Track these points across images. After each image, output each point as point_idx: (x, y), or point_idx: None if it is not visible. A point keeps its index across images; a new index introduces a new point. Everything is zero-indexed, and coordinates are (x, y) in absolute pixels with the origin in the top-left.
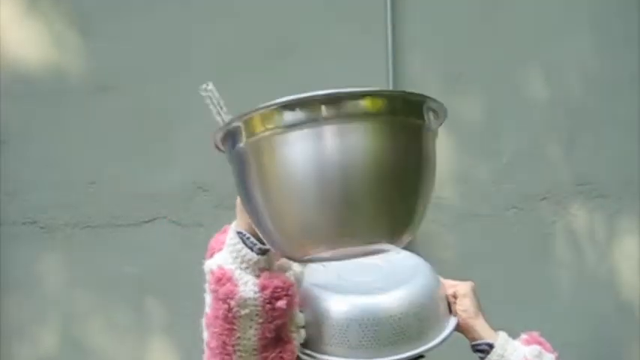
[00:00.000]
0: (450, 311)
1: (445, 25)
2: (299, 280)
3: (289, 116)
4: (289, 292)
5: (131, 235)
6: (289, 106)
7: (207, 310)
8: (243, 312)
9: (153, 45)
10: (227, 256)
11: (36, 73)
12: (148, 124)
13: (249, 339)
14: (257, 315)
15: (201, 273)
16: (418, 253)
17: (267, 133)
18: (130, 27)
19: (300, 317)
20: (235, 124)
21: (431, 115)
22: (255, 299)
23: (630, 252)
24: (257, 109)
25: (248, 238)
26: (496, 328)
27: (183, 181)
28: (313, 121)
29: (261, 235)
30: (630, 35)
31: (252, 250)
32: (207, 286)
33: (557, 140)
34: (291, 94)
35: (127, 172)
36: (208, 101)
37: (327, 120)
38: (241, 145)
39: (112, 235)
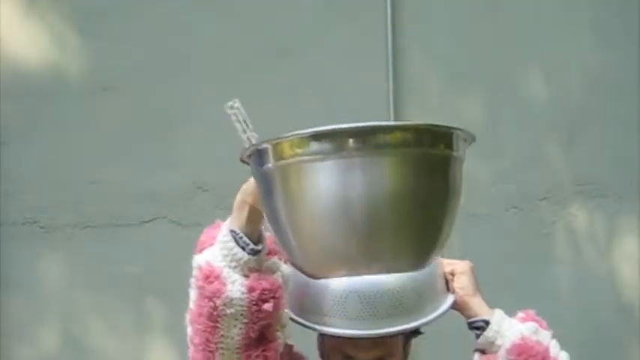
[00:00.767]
0: (448, 289)
1: (445, 25)
2: (287, 281)
3: (318, 146)
4: (277, 295)
5: (131, 235)
6: (319, 136)
7: (192, 305)
8: (228, 311)
9: (153, 45)
10: (217, 253)
11: (36, 73)
12: (148, 124)
13: (233, 338)
14: (242, 315)
15: None
16: None
17: (295, 159)
18: (130, 27)
19: (285, 316)
20: (264, 145)
21: (459, 143)
22: (241, 300)
23: (630, 252)
24: (287, 136)
25: (241, 237)
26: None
27: (183, 181)
28: (341, 152)
29: (283, 252)
30: (630, 35)
31: (244, 249)
32: (193, 281)
33: (557, 140)
34: (291, 94)
35: (127, 172)
36: (234, 118)
37: (354, 152)
38: (269, 166)
39: (112, 235)
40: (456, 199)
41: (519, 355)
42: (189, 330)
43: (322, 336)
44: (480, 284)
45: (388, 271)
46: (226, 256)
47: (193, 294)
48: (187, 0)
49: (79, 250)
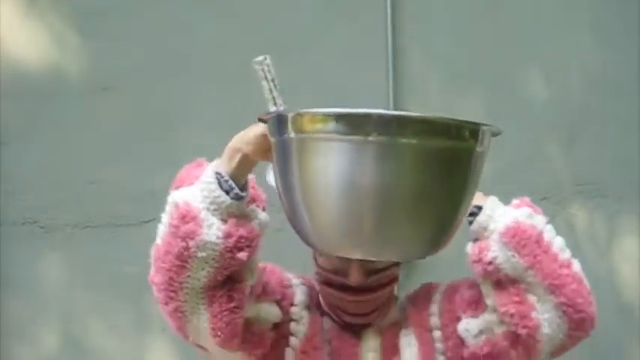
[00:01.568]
0: None
1: (445, 25)
2: (265, 228)
3: (338, 126)
4: (252, 244)
5: (131, 235)
6: (341, 116)
7: (159, 242)
8: (200, 254)
9: (153, 45)
10: (197, 193)
11: (36, 73)
12: (148, 124)
13: (199, 279)
14: (213, 260)
15: None
16: None
17: (314, 135)
18: (130, 27)
19: (256, 261)
20: (286, 114)
21: (484, 138)
22: (216, 244)
23: (630, 252)
24: (310, 111)
25: (226, 180)
26: None
27: None
28: (360, 136)
29: (291, 223)
30: (630, 35)
31: (227, 193)
32: (164, 217)
33: (557, 140)
34: (291, 94)
35: (127, 172)
36: (262, 75)
37: (374, 137)
38: (289, 136)
39: (112, 235)
40: (473, 193)
41: (512, 237)
42: (152, 269)
43: None
44: None
45: (399, 258)
46: (207, 197)
47: (163, 231)
48: (187, 0)
49: (79, 250)
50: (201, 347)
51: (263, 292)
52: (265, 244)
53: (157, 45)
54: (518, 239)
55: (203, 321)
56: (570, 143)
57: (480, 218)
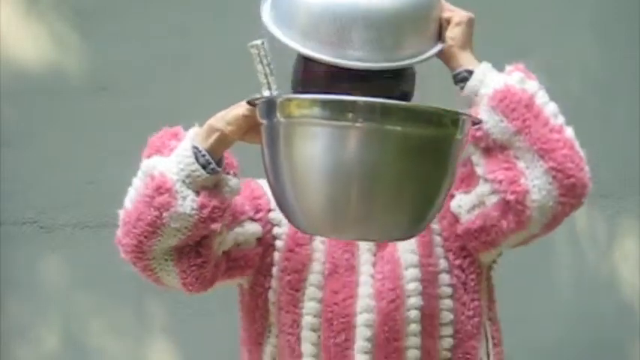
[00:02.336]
0: (440, 37)
1: None
2: (235, 193)
3: (322, 111)
4: (225, 215)
5: None
6: (325, 102)
7: (129, 207)
8: (173, 225)
9: (153, 45)
10: (173, 166)
11: (36, 72)
12: (148, 124)
13: (170, 244)
14: (186, 228)
15: None
16: None
17: (302, 119)
18: (130, 27)
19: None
20: (275, 99)
21: (464, 127)
22: (190, 216)
23: (630, 252)
24: (296, 97)
25: (203, 155)
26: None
27: None
28: (343, 121)
29: (277, 204)
30: (631, 35)
31: (204, 168)
32: (137, 183)
33: None
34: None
35: (127, 172)
36: (257, 59)
37: (360, 123)
38: (276, 120)
39: (112, 235)
40: (452, 178)
41: (501, 101)
42: (120, 231)
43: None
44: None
45: (381, 239)
46: (182, 170)
47: (135, 197)
48: (187, 0)
49: (79, 250)
50: None
51: (234, 219)
52: None
53: (157, 45)
54: (507, 102)
55: (173, 277)
56: None
57: (471, 83)
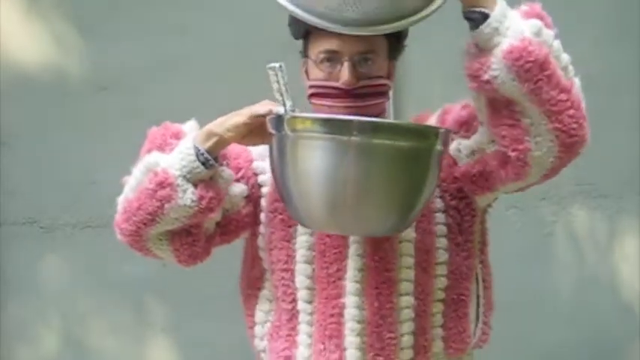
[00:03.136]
0: None
1: (445, 24)
2: (229, 183)
3: (326, 128)
4: (221, 204)
5: None
6: (329, 120)
7: (131, 196)
8: (173, 215)
9: (153, 45)
10: (176, 162)
11: (36, 73)
12: (148, 124)
13: (165, 229)
14: (185, 217)
15: (201, 274)
16: None
17: (306, 134)
18: (130, 27)
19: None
20: (284, 116)
21: (443, 138)
22: (190, 207)
23: (630, 252)
24: (304, 115)
25: (202, 154)
26: (495, 332)
27: None
28: (344, 137)
29: (284, 203)
30: (631, 35)
31: (203, 164)
32: (138, 174)
33: None
34: (292, 94)
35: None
36: (274, 79)
37: (354, 138)
38: (284, 133)
39: (112, 235)
40: (433, 183)
41: (517, 60)
42: (119, 216)
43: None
44: None
45: (370, 235)
46: (184, 167)
47: (135, 187)
48: (187, 0)
49: (79, 250)
50: None
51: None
52: None
53: (157, 45)
54: (523, 62)
55: (168, 255)
56: None
57: (485, 29)
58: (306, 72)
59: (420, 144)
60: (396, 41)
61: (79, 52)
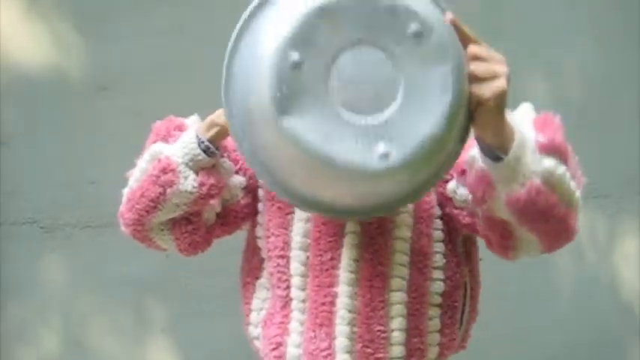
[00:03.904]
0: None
1: None
2: (229, 174)
3: None
4: (221, 192)
5: None
6: None
7: (134, 185)
8: (175, 200)
9: (153, 45)
10: (179, 151)
11: (36, 73)
12: (148, 124)
13: (167, 218)
14: (185, 205)
15: (200, 274)
16: None
17: None
18: (130, 27)
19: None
20: None
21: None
22: (191, 193)
23: (630, 252)
24: None
25: (202, 142)
26: (495, 332)
27: None
28: None
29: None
30: (631, 35)
31: (205, 152)
32: (142, 165)
33: None
34: None
35: (127, 172)
36: None
37: None
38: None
39: (112, 235)
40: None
41: (520, 209)
42: (123, 207)
43: None
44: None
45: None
46: (186, 154)
47: (139, 177)
48: (187, 0)
49: (79, 250)
50: None
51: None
52: None
53: (157, 45)
54: (527, 210)
55: (169, 244)
56: (570, 143)
57: (494, 171)
58: None
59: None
60: None
61: (79, 52)
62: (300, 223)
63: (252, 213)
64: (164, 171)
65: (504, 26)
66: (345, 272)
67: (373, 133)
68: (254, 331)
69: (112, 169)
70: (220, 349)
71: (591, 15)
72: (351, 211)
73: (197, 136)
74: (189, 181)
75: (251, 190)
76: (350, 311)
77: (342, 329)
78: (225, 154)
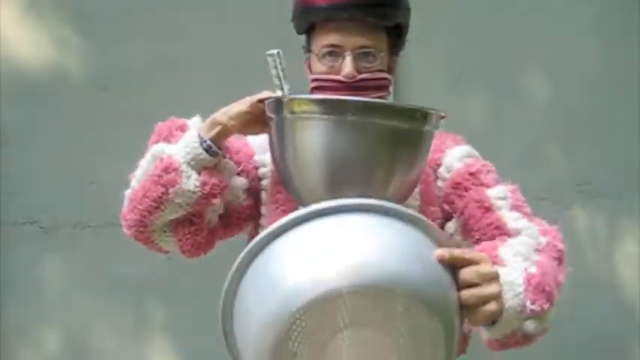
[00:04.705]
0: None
1: (445, 25)
2: (232, 174)
3: (323, 109)
4: (223, 192)
5: None
6: (325, 101)
7: (136, 186)
8: (177, 200)
9: (153, 45)
10: (181, 150)
11: (36, 73)
12: (148, 124)
13: (169, 219)
14: (188, 204)
15: (201, 274)
16: None
17: (304, 115)
18: (130, 27)
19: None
20: (282, 99)
21: (432, 119)
22: (194, 192)
23: (630, 252)
24: (301, 96)
25: (205, 141)
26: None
27: None
28: (339, 116)
29: (283, 181)
30: (631, 35)
31: (207, 152)
32: (145, 165)
33: (557, 140)
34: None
35: (127, 172)
36: (272, 64)
37: (349, 118)
38: (283, 115)
39: (112, 235)
40: (422, 160)
41: (505, 349)
42: (126, 208)
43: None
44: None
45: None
46: (188, 153)
47: (142, 177)
48: (187, 1)
49: (79, 250)
50: None
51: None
52: None
53: (157, 46)
54: (500, 347)
55: (172, 245)
56: (570, 143)
57: (485, 335)
58: (309, 66)
59: (412, 124)
60: (397, 37)
61: (79, 52)
62: None
63: (254, 215)
64: (166, 170)
65: (505, 26)
66: None
67: None
68: None
69: (112, 169)
70: (220, 349)
71: (591, 15)
72: None
73: (199, 136)
74: (191, 181)
75: (253, 192)
76: None
77: None
78: (228, 155)
